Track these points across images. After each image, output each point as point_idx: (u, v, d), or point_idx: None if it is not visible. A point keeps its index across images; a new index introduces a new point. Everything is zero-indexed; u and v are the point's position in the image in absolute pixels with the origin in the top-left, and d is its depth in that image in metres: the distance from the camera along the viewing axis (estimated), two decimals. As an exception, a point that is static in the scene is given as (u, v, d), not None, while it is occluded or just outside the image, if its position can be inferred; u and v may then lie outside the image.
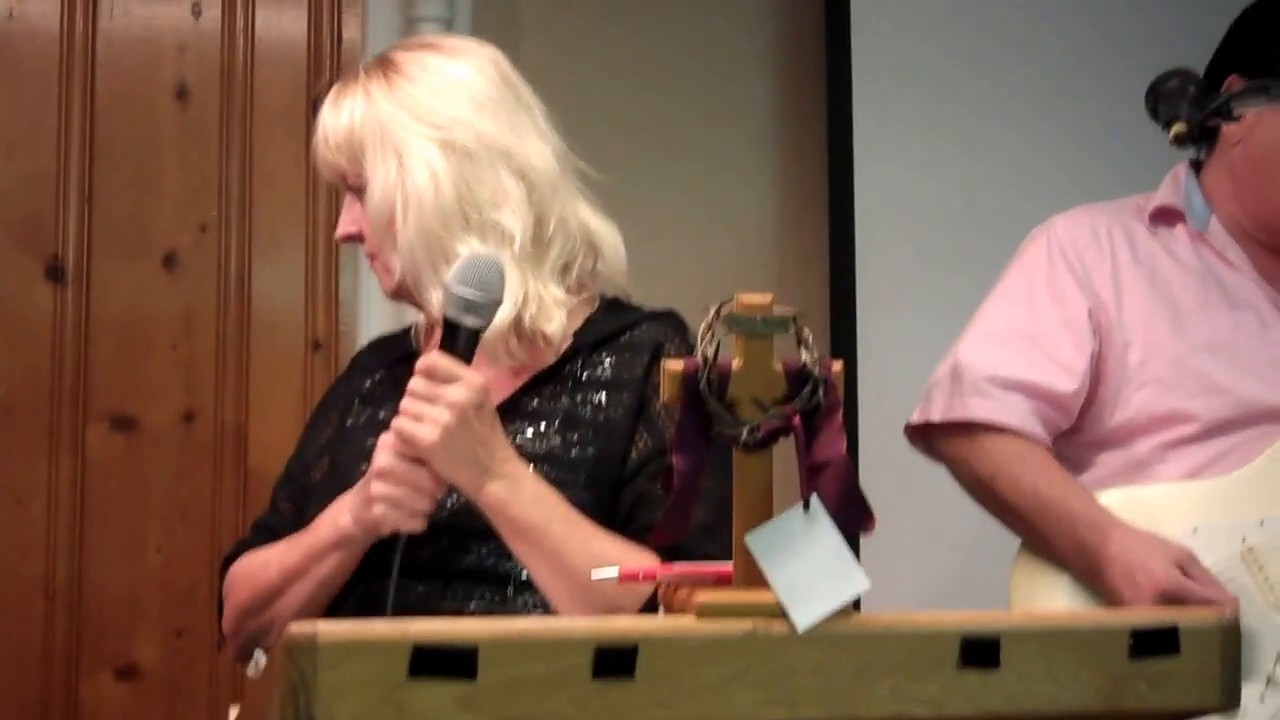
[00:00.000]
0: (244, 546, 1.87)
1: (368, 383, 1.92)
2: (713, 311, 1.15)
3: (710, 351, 1.14)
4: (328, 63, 3.08)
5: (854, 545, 1.16)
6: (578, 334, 1.81)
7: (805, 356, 1.16)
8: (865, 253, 3.31)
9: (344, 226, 1.84)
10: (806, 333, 1.17)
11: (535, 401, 1.78)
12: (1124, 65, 3.05)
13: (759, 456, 1.16)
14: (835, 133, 3.34)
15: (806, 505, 1.15)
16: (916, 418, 2.13)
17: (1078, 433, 2.09)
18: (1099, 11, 3.43)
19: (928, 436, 2.13)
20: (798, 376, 1.16)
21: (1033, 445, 2.02)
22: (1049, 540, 1.98)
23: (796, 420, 1.15)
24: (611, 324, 1.83)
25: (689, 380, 1.14)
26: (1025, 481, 2.00)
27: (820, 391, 1.16)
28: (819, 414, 1.16)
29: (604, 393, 1.77)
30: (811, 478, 1.15)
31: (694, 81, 3.40)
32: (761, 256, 3.43)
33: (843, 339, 3.28)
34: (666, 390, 1.15)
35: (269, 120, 3.04)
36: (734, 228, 3.42)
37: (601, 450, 1.73)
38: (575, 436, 1.74)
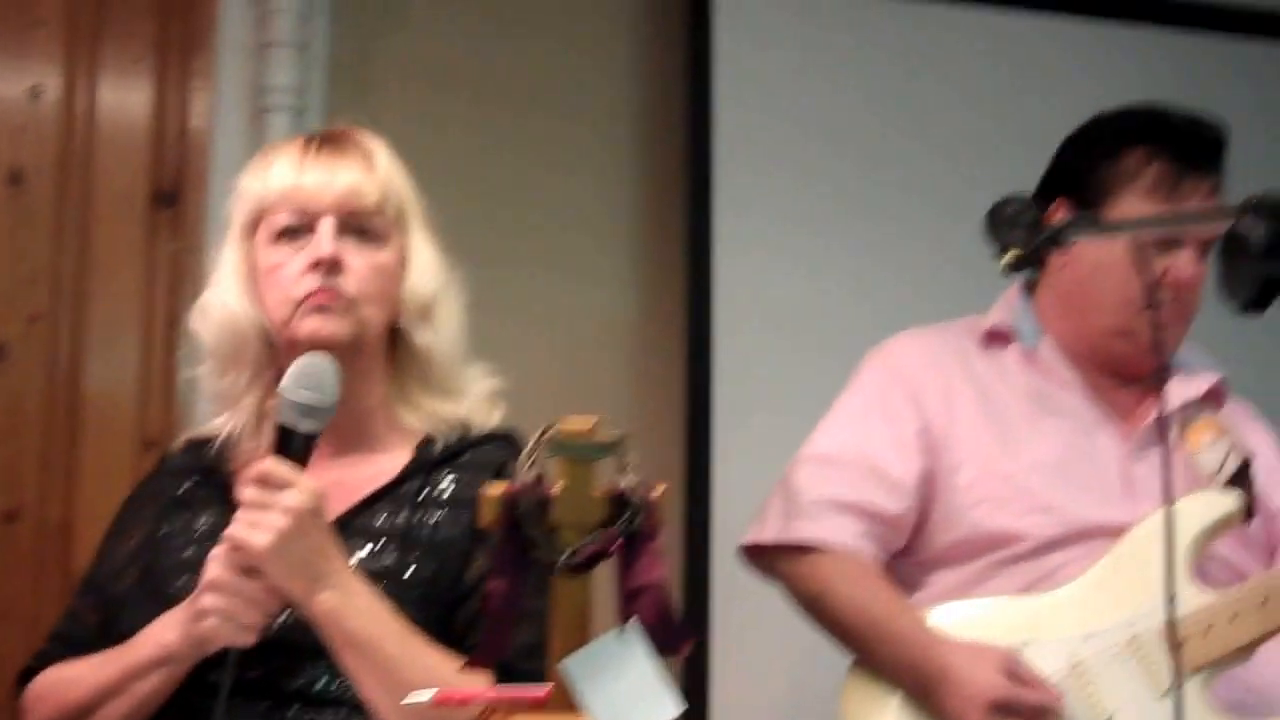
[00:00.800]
0: (44, 659, 1.83)
1: (182, 487, 1.89)
2: (536, 436, 1.19)
3: (531, 476, 1.18)
4: (172, 149, 3.08)
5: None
6: (419, 451, 1.84)
7: (626, 481, 1.21)
8: (723, 353, 3.38)
9: (334, 251, 1.81)
10: (629, 457, 1.22)
11: (373, 518, 1.79)
12: (983, 170, 3.19)
13: (578, 580, 1.20)
14: (694, 233, 3.40)
15: (623, 629, 1.19)
16: (750, 538, 2.19)
17: (911, 552, 2.16)
18: (965, 111, 3.57)
19: (761, 556, 2.19)
20: (618, 501, 1.21)
21: (863, 565, 2.09)
22: (878, 659, 2.04)
23: (616, 545, 1.20)
24: (452, 443, 1.86)
25: (509, 504, 1.18)
26: (855, 600, 2.06)
27: (640, 516, 1.21)
28: (638, 539, 1.21)
29: (443, 511, 1.78)
30: (629, 602, 1.20)
31: (553, 178, 3.44)
32: (619, 356, 3.48)
33: (699, 442, 3.34)
34: (486, 514, 1.19)
35: (108, 207, 3.00)
36: (592, 327, 3.45)
37: (438, 569, 1.75)
38: (412, 555, 1.75)
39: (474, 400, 1.89)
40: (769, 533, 2.15)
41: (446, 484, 1.81)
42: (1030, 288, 2.26)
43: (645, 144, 3.53)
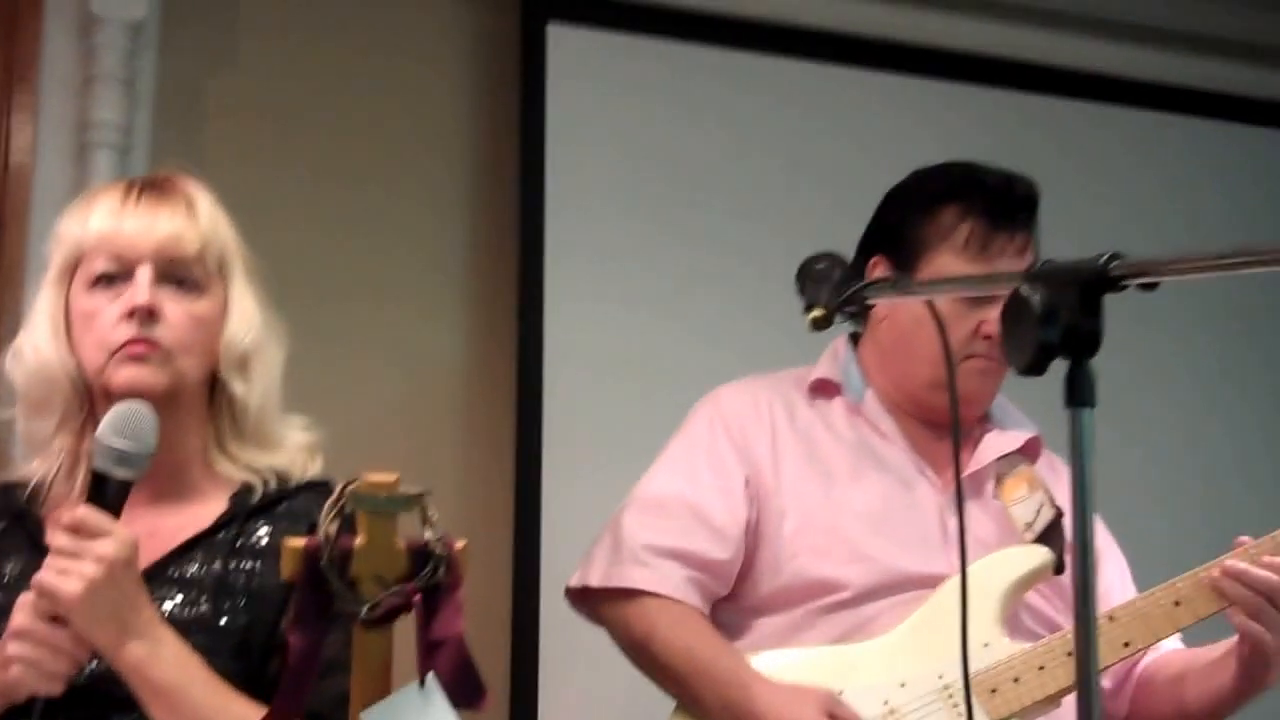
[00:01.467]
0: None
1: None
2: (338, 489, 1.24)
3: (333, 529, 1.23)
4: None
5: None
6: (234, 500, 1.86)
7: (428, 534, 1.26)
8: (552, 396, 3.43)
9: (151, 299, 1.81)
10: (431, 511, 1.27)
11: (187, 566, 1.80)
12: (812, 220, 3.29)
13: (379, 633, 1.25)
14: (525, 276, 3.47)
15: (422, 682, 1.23)
16: (576, 581, 2.24)
17: (736, 598, 2.22)
18: (794, 161, 3.67)
19: (587, 599, 2.24)
20: (420, 554, 1.26)
21: (687, 610, 2.15)
22: (701, 701, 2.10)
23: (416, 598, 1.24)
24: (269, 492, 1.88)
25: (310, 557, 1.23)
26: (678, 644, 2.12)
27: (441, 569, 1.26)
28: (439, 592, 1.26)
29: (258, 561, 1.79)
30: (428, 654, 1.24)
31: (384, 219, 3.48)
32: (450, 398, 3.51)
33: (528, 484, 3.39)
34: (287, 567, 1.23)
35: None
36: (423, 369, 3.48)
37: (252, 619, 1.76)
38: (226, 604, 1.76)
39: (292, 451, 1.91)
40: (595, 577, 2.20)
41: (262, 533, 1.82)
42: (856, 339, 2.35)
43: (477, 185, 3.58)
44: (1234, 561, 2.08)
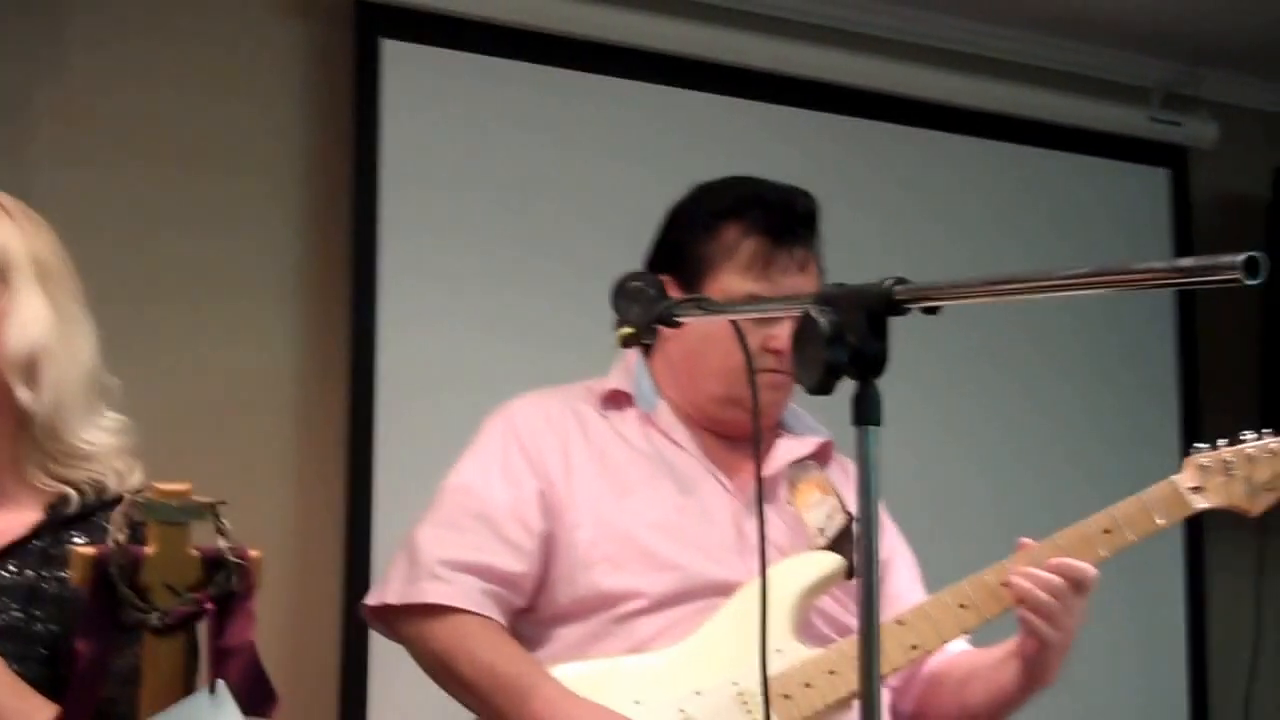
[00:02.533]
0: None
1: None
2: (129, 498, 1.24)
3: (122, 537, 1.23)
4: None
5: None
6: (50, 510, 1.85)
7: (221, 543, 1.27)
8: (385, 415, 3.47)
9: None
10: (224, 521, 1.28)
11: None
12: (641, 240, 3.33)
13: (170, 640, 1.25)
14: (359, 297, 3.49)
15: (213, 689, 1.24)
16: (373, 599, 2.25)
17: (534, 610, 2.24)
18: (626, 181, 3.72)
19: (385, 616, 2.25)
20: (213, 563, 1.26)
21: (486, 623, 2.17)
22: (504, 716, 2.13)
23: (208, 606, 1.25)
24: (87, 503, 1.86)
25: (100, 564, 1.23)
26: (480, 659, 2.14)
27: (234, 578, 1.27)
28: (232, 600, 1.27)
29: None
30: (219, 662, 1.25)
31: (216, 238, 3.47)
32: (281, 418, 3.51)
33: (360, 504, 3.44)
34: (75, 574, 1.23)
35: None
36: (254, 388, 3.49)
37: (64, 628, 1.76)
38: (38, 613, 1.77)
39: (107, 459, 1.90)
40: (393, 594, 2.21)
41: (76, 544, 1.80)
42: (648, 351, 2.39)
43: (311, 205, 3.58)
44: (1021, 566, 2.16)
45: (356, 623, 3.26)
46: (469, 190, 3.62)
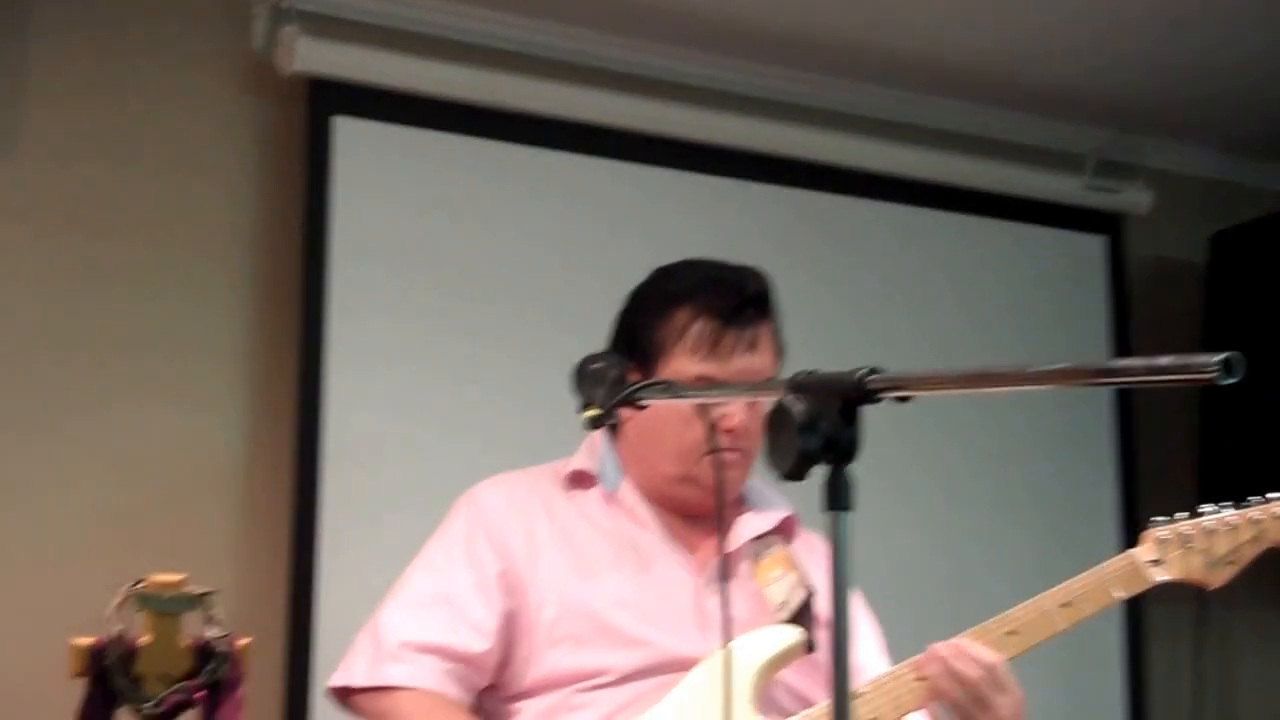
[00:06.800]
0: None
1: None
2: (124, 590, 1.27)
3: (118, 628, 1.26)
4: None
5: None
6: None
7: (211, 633, 1.30)
8: (330, 489, 3.49)
9: None
10: (216, 610, 1.31)
11: None
12: (593, 314, 3.38)
13: (162, 729, 1.28)
14: (305, 370, 3.52)
15: (204, 778, 1.27)
16: (338, 681, 2.27)
17: (498, 689, 2.28)
18: (575, 255, 3.80)
19: (349, 697, 2.27)
20: (203, 652, 1.30)
21: (442, 701, 2.20)
22: None
23: (199, 694, 1.28)
24: None
25: (96, 655, 1.26)
26: None
27: (224, 667, 1.30)
28: (222, 689, 1.30)
29: None
30: (211, 750, 1.28)
31: (161, 307, 3.50)
32: (226, 488, 3.52)
33: (303, 577, 3.44)
34: (74, 665, 1.26)
35: None
36: (198, 458, 3.50)
37: None
38: None
39: None
40: (357, 676, 2.24)
41: None
42: (614, 429, 2.44)
43: (259, 276, 3.61)
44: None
45: (298, 710, 3.30)
46: (419, 268, 3.66)
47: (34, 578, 3.23)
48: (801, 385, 1.42)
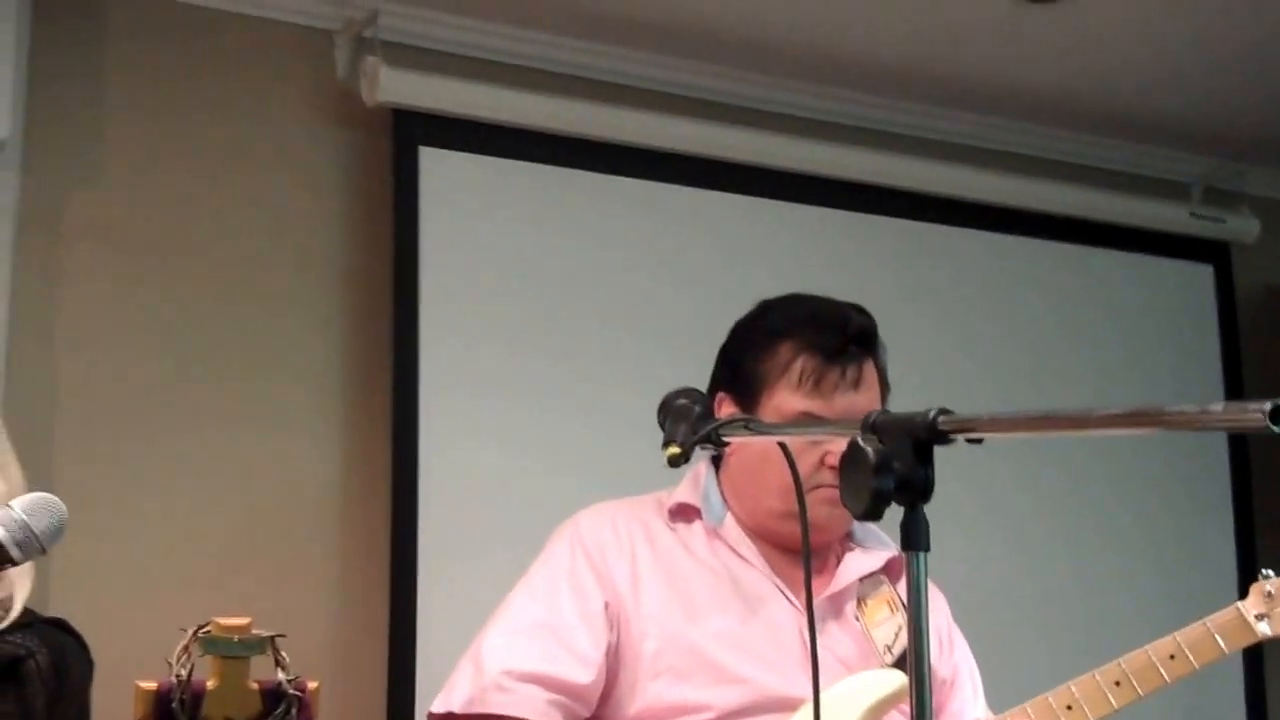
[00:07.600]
0: None
1: None
2: (190, 633, 1.27)
3: (184, 671, 1.26)
4: None
5: None
6: None
7: (280, 676, 1.30)
8: (426, 520, 3.51)
9: None
10: (283, 653, 1.31)
11: None
12: (684, 345, 3.37)
13: (232, 772, 1.28)
14: (400, 404, 3.54)
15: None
16: (439, 707, 2.27)
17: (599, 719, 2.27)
18: (668, 286, 3.80)
19: None
20: (273, 695, 1.30)
21: None
22: None
23: (269, 738, 1.28)
24: None
25: (161, 699, 1.26)
26: None
27: (293, 710, 1.30)
28: (292, 731, 1.30)
29: None
30: (279, 795, 1.28)
31: (254, 342, 3.54)
32: (324, 520, 3.56)
33: (404, 607, 3.46)
34: (138, 708, 1.26)
35: None
36: (297, 492, 3.54)
37: None
38: None
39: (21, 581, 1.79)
40: (458, 702, 2.24)
41: None
42: (717, 462, 2.42)
43: (351, 310, 3.64)
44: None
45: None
46: (507, 296, 3.68)
47: (130, 607, 3.25)
48: (874, 425, 1.40)
